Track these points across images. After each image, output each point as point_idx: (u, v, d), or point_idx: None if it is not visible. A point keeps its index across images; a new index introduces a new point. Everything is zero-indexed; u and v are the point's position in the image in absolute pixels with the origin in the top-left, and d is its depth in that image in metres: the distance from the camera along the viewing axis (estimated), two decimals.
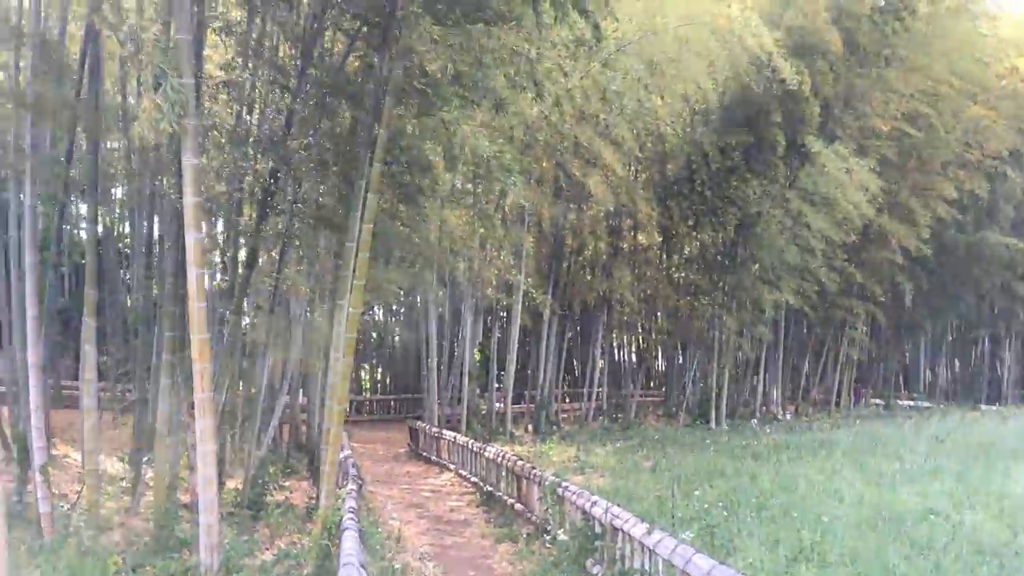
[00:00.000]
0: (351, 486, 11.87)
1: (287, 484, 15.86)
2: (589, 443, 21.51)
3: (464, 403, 25.14)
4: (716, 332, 28.68)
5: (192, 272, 8.46)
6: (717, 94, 23.97)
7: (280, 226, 14.08)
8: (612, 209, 26.45)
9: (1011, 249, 33.44)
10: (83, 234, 22.80)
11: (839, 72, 24.93)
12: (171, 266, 11.35)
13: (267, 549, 11.19)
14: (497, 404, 26.42)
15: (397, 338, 37.80)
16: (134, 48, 10.47)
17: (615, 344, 36.07)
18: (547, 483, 11.22)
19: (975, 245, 34.00)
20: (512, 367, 25.61)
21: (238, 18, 13.32)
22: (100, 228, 22.05)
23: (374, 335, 37.21)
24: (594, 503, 9.34)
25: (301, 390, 21.50)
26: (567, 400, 33.51)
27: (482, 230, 23.66)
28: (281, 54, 14.61)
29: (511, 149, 17.73)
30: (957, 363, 48.01)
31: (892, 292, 33.22)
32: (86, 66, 12.21)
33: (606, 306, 29.89)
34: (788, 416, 32.41)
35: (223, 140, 12.93)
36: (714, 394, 28.26)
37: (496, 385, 27.20)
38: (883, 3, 24.97)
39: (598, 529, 9.11)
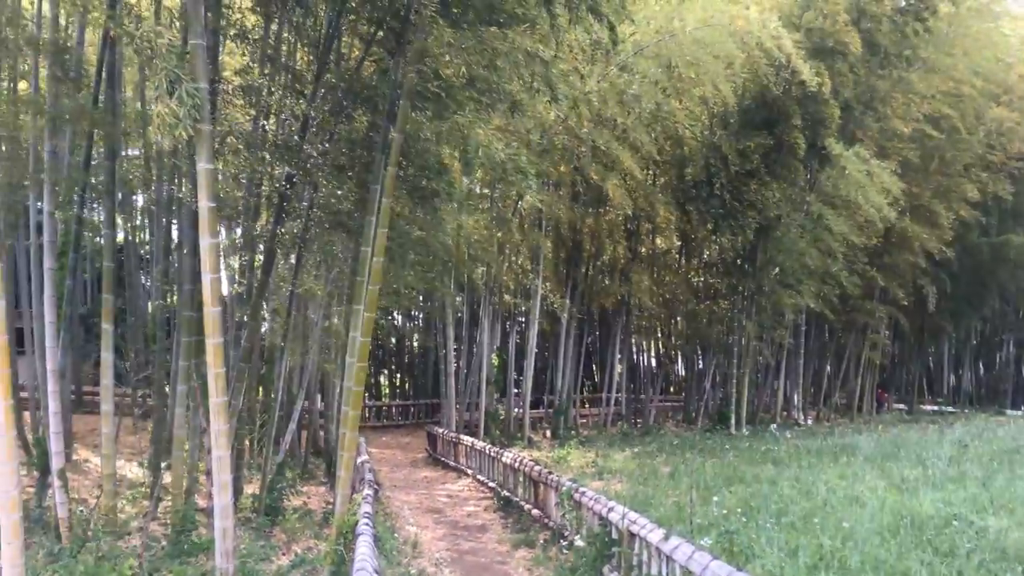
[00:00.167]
0: (367, 491, 11.85)
1: (305, 489, 15.92)
2: (607, 448, 21.41)
3: (482, 408, 25.12)
4: (736, 336, 28.41)
5: (207, 277, 8.46)
6: (736, 97, 23.89)
7: (296, 231, 14.15)
8: (630, 213, 26.34)
9: None
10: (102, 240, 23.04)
11: (859, 74, 24.69)
12: (188, 272, 11.40)
13: (284, 554, 11.21)
14: (515, 409, 26.37)
15: (416, 344, 37.88)
16: (150, 54, 10.53)
17: (634, 349, 35.93)
18: (564, 488, 11.14)
19: (999, 248, 33.59)
20: (530, 372, 25.56)
21: (254, 24, 13.38)
22: (120, 234, 22.28)
23: (393, 341, 37.33)
24: (611, 509, 9.25)
25: (319, 395, 21.55)
26: (585, 405, 33.48)
27: (499, 234, 23.66)
28: (297, 59, 14.69)
29: (527, 153, 17.70)
30: (981, 367, 47.47)
31: (915, 296, 32.78)
32: (103, 73, 12.34)
33: (624, 310, 29.73)
34: (809, 421, 32.15)
35: (240, 145, 13.00)
36: (734, 399, 27.97)
37: (514, 390, 27.13)
38: (904, 3, 24.78)
39: (615, 535, 9.02)
